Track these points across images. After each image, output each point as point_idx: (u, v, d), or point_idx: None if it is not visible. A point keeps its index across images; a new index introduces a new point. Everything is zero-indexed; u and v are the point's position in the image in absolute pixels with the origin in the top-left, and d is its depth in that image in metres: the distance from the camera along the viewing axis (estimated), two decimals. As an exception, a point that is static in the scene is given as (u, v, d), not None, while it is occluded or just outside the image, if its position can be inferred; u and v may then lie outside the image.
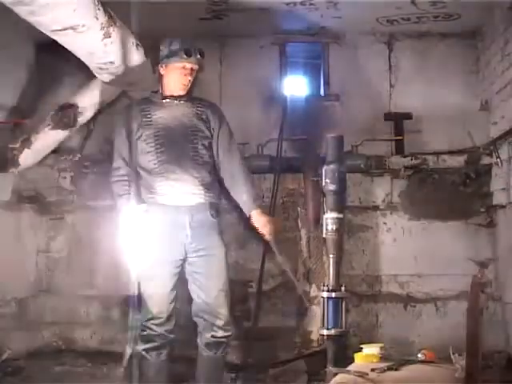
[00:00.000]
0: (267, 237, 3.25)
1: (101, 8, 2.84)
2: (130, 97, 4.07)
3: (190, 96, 3.11)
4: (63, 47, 3.04)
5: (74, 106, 3.99)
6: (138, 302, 3.19)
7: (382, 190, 4.48)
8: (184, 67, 2.99)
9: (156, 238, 3.03)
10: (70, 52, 3.14)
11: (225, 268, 3.14)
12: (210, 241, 3.07)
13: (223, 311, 3.21)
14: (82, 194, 4.43)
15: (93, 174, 4.39)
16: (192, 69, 3.01)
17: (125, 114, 3.13)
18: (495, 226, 4.28)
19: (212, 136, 3.15)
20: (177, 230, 3.01)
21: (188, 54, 2.96)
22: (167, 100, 3.06)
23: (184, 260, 3.06)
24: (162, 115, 3.05)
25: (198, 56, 2.98)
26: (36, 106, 4.38)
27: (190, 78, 3.01)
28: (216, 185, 3.19)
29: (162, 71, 3.05)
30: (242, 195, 3.20)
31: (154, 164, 3.02)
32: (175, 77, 3.01)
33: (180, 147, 3.03)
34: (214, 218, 3.12)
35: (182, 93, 3.05)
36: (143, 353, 3.07)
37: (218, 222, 3.17)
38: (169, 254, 3.01)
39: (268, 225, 3.20)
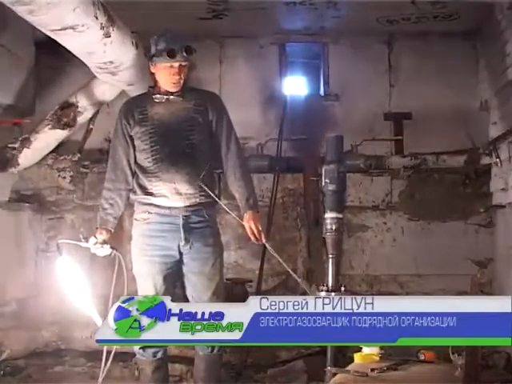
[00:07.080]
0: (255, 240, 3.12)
1: (100, 8, 2.83)
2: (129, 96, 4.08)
3: (186, 89, 3.03)
4: (63, 47, 3.04)
5: (73, 106, 3.99)
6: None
7: (381, 190, 4.48)
8: (171, 66, 2.93)
9: (150, 239, 2.99)
10: (69, 52, 3.14)
11: (219, 270, 3.09)
12: (204, 242, 3.03)
13: None
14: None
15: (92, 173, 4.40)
16: (181, 65, 2.94)
17: (122, 112, 3.06)
18: (494, 226, 4.28)
19: (212, 128, 3.07)
20: (171, 231, 2.98)
21: (171, 56, 2.88)
22: (162, 96, 3.00)
23: (179, 261, 3.03)
24: (157, 111, 2.99)
25: (185, 54, 2.91)
26: (36, 106, 4.38)
27: (178, 76, 2.94)
28: (214, 183, 3.13)
29: (152, 69, 3.00)
30: (236, 193, 3.12)
31: (149, 162, 2.96)
32: (165, 76, 2.95)
33: (176, 144, 2.97)
34: (210, 219, 3.07)
35: (175, 89, 2.99)
36: (139, 352, 3.04)
37: (214, 223, 3.12)
38: (163, 255, 2.98)
39: (253, 231, 3.05)
